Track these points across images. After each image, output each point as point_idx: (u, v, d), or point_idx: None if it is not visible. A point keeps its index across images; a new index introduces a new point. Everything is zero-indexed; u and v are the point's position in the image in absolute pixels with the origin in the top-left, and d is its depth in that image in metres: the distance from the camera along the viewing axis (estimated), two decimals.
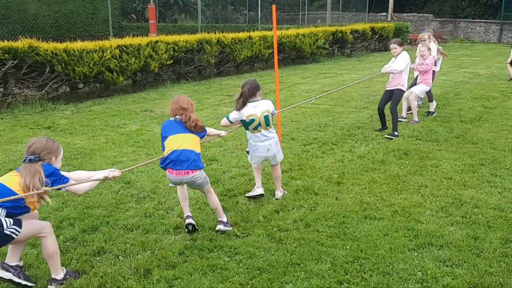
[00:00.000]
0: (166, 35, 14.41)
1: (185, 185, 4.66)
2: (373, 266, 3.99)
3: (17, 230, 3.47)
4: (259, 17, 23.47)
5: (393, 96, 8.14)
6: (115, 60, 11.70)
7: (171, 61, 13.27)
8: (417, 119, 8.91)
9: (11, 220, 3.47)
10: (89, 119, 9.39)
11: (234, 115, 5.20)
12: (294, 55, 18.37)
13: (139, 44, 12.33)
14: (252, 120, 5.11)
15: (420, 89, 8.94)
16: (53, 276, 3.74)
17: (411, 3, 39.02)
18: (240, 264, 4.05)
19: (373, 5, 31.90)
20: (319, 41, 19.03)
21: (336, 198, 5.46)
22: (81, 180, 3.85)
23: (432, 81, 9.24)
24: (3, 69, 9.91)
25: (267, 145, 5.23)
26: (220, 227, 4.66)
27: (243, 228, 4.73)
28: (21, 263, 3.86)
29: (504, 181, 5.91)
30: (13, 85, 10.47)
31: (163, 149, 4.45)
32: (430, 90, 9.27)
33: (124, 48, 12.00)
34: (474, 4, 35.28)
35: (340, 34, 20.43)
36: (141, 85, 13.30)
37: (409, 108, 9.21)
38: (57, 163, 3.75)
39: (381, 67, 8.40)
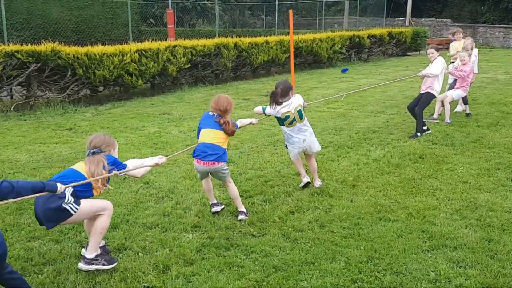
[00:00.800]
0: (184, 39, 14.63)
1: (209, 178, 5.15)
2: (387, 266, 4.06)
3: (75, 207, 3.75)
4: (276, 21, 23.58)
5: (422, 99, 8.37)
6: (134, 64, 11.91)
7: (189, 65, 13.45)
8: (448, 120, 9.11)
9: (73, 198, 3.74)
10: (109, 121, 9.59)
11: (269, 110, 5.60)
12: (310, 59, 18.44)
13: (158, 48, 12.54)
14: (287, 117, 5.51)
15: (457, 94, 9.18)
16: (86, 254, 3.95)
17: (429, 8, 38.87)
18: (256, 262, 4.15)
19: (390, 10, 31.85)
20: (336, 46, 19.09)
21: (351, 200, 5.54)
22: (135, 166, 4.22)
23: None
24: (26, 72, 10.17)
25: (302, 137, 5.65)
26: (242, 217, 4.99)
27: (259, 228, 4.83)
28: (103, 242, 4.22)
29: None
30: (36, 87, 10.73)
31: (198, 137, 5.02)
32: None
33: (143, 52, 12.21)
34: (493, 10, 35.01)
35: (357, 39, 20.45)
36: (159, 89, 13.51)
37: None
38: (115, 155, 4.12)
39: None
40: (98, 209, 3.93)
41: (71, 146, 7.68)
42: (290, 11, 6.83)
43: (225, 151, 4.94)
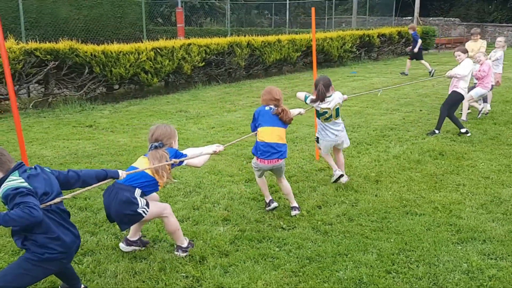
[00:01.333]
0: (198, 38, 14.72)
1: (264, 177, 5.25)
2: (419, 257, 4.14)
3: (147, 210, 3.88)
4: (287, 20, 23.66)
5: (447, 98, 8.45)
6: (150, 62, 12.02)
7: (203, 63, 13.54)
8: (464, 118, 9.17)
9: (144, 201, 3.86)
10: (128, 119, 9.69)
11: (310, 101, 5.71)
12: (321, 58, 18.49)
13: (173, 47, 12.64)
14: (325, 112, 5.63)
15: (476, 92, 9.20)
16: (178, 244, 4.20)
17: (437, 7, 38.88)
18: (290, 254, 4.23)
19: (399, 9, 31.87)
20: (346, 45, 19.15)
21: (375, 195, 5.61)
22: (194, 155, 4.31)
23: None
24: (45, 70, 10.28)
25: (336, 132, 5.76)
26: (295, 212, 5.08)
27: (288, 221, 4.92)
28: (140, 234, 4.34)
29: None
30: (54, 85, 10.85)
31: (254, 130, 5.18)
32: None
33: (159, 50, 12.31)
34: (501, 9, 35.02)
35: (367, 38, 20.51)
36: (173, 87, 13.61)
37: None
38: (175, 146, 4.19)
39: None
40: (160, 211, 4.07)
41: (94, 142, 7.79)
42: (313, 9, 6.88)
43: (286, 147, 5.08)
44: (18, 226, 2.89)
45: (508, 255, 4.15)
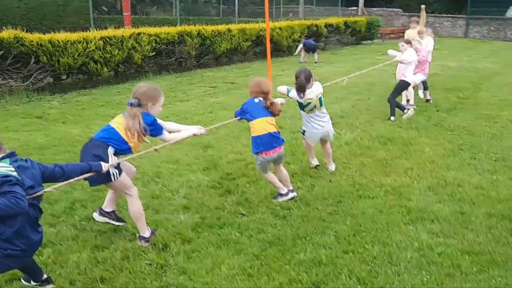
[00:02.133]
0: (146, 27, 14.49)
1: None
2: (373, 238, 4.36)
3: (117, 175, 3.93)
4: (236, 10, 23.67)
5: (396, 86, 8.94)
6: (99, 51, 11.78)
7: (154, 53, 13.40)
8: (412, 103, 9.60)
9: (116, 161, 3.90)
10: (78, 109, 9.50)
11: (293, 94, 5.73)
12: (271, 48, 18.60)
13: (122, 36, 12.43)
14: (309, 103, 5.69)
15: (418, 78, 9.59)
16: (141, 234, 4.27)
17: None
18: (251, 238, 4.36)
19: None
20: (295, 34, 19.40)
21: (330, 181, 5.82)
22: (172, 130, 4.42)
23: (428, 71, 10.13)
24: None
25: (322, 123, 5.87)
26: (294, 194, 5.27)
27: (247, 207, 5.04)
28: (114, 208, 4.43)
29: (483, 163, 6.38)
30: None
31: (237, 116, 5.24)
32: (425, 80, 10.07)
33: (108, 40, 12.08)
34: (440, 0, 36.32)
35: (315, 28, 20.84)
36: (123, 77, 13.39)
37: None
38: (154, 110, 4.14)
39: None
40: (128, 185, 4.13)
41: (45, 134, 7.61)
42: (266, 0, 6.99)
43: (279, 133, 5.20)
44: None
45: (455, 233, 4.44)
